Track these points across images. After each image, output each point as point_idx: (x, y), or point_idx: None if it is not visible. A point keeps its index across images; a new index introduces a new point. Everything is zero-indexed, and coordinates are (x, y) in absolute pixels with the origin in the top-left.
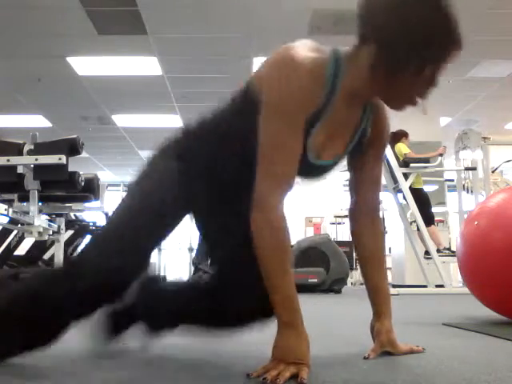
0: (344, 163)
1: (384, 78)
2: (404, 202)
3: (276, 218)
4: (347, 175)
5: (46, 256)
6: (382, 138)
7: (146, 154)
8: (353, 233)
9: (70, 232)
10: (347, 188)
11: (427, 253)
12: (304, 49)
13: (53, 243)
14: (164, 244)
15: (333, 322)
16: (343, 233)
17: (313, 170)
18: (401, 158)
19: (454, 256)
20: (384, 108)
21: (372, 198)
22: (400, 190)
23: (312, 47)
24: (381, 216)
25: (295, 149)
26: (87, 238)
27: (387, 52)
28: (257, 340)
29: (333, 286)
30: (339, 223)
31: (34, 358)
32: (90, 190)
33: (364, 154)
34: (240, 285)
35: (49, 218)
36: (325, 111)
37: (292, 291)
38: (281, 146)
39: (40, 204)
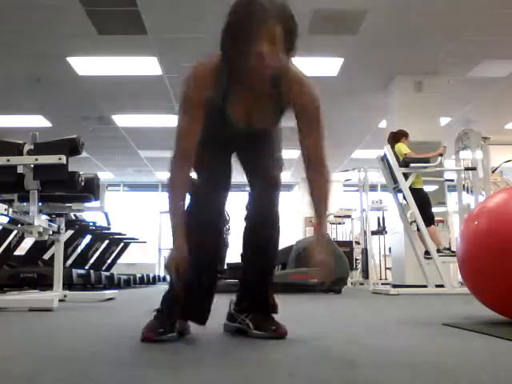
0: (343, 165)
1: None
2: (404, 202)
3: (174, 177)
4: (347, 175)
5: (46, 256)
6: (303, 109)
7: (145, 154)
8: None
9: (70, 232)
10: (347, 188)
11: (427, 253)
12: (205, 60)
13: (53, 243)
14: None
15: (333, 322)
16: (343, 233)
17: (241, 133)
18: (401, 158)
19: (454, 256)
20: (298, 83)
21: (313, 155)
22: (400, 190)
23: (215, 57)
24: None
25: (191, 128)
26: (87, 238)
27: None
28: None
29: (333, 286)
30: (339, 223)
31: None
32: (90, 190)
33: (298, 122)
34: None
35: (49, 217)
36: (230, 91)
37: (177, 218)
38: (181, 128)
39: (40, 204)
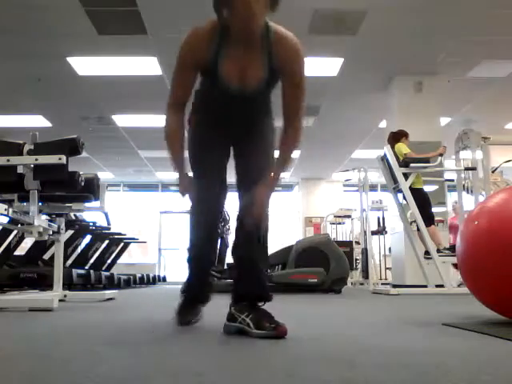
0: (344, 165)
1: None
2: (404, 202)
3: (169, 120)
4: (347, 175)
5: (46, 256)
6: (288, 65)
7: (145, 154)
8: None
9: (70, 232)
10: (347, 188)
11: (427, 253)
12: (205, 24)
13: (53, 243)
14: (164, 244)
15: (333, 322)
16: (343, 233)
17: (234, 96)
18: (401, 158)
19: (454, 256)
20: (284, 41)
21: (291, 108)
22: (400, 190)
23: (210, 22)
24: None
25: (183, 81)
26: (87, 238)
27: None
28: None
29: (333, 286)
30: (339, 223)
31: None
32: (90, 190)
33: (281, 78)
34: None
35: (49, 217)
36: (222, 52)
37: (176, 157)
38: (175, 80)
39: (40, 204)
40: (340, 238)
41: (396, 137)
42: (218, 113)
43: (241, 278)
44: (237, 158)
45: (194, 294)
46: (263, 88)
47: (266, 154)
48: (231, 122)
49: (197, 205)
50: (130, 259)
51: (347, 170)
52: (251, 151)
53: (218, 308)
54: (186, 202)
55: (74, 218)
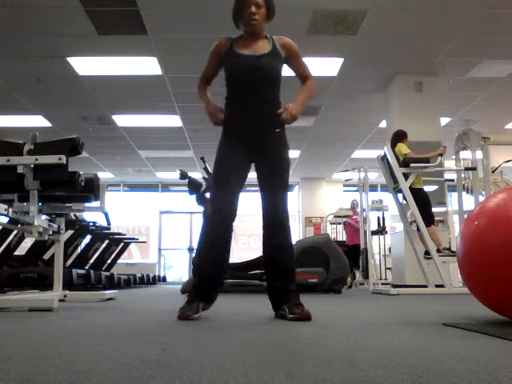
0: (344, 165)
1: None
2: (404, 202)
3: (199, 84)
4: (347, 175)
5: (46, 256)
6: (290, 50)
7: (145, 154)
8: None
9: (70, 232)
10: (347, 188)
11: (427, 253)
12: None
13: (53, 243)
14: (164, 244)
15: (332, 321)
16: (343, 233)
17: (247, 59)
18: (401, 158)
19: (454, 256)
20: (284, 40)
21: (304, 74)
22: (400, 190)
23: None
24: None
25: (209, 65)
26: (87, 239)
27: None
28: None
29: (333, 286)
30: (339, 223)
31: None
32: (90, 190)
33: (289, 60)
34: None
35: (49, 218)
36: (235, 42)
37: (202, 96)
38: (207, 65)
39: (40, 204)
40: (340, 238)
41: (396, 137)
42: (238, 118)
43: (274, 278)
44: (257, 171)
45: (199, 292)
46: (270, 61)
47: (281, 170)
48: (250, 134)
49: (211, 215)
50: (130, 259)
51: (347, 170)
52: (268, 168)
53: (219, 307)
54: (189, 201)
55: (74, 218)
